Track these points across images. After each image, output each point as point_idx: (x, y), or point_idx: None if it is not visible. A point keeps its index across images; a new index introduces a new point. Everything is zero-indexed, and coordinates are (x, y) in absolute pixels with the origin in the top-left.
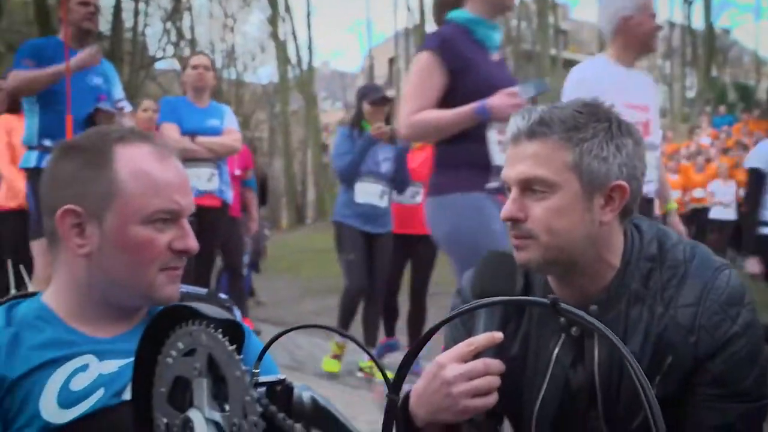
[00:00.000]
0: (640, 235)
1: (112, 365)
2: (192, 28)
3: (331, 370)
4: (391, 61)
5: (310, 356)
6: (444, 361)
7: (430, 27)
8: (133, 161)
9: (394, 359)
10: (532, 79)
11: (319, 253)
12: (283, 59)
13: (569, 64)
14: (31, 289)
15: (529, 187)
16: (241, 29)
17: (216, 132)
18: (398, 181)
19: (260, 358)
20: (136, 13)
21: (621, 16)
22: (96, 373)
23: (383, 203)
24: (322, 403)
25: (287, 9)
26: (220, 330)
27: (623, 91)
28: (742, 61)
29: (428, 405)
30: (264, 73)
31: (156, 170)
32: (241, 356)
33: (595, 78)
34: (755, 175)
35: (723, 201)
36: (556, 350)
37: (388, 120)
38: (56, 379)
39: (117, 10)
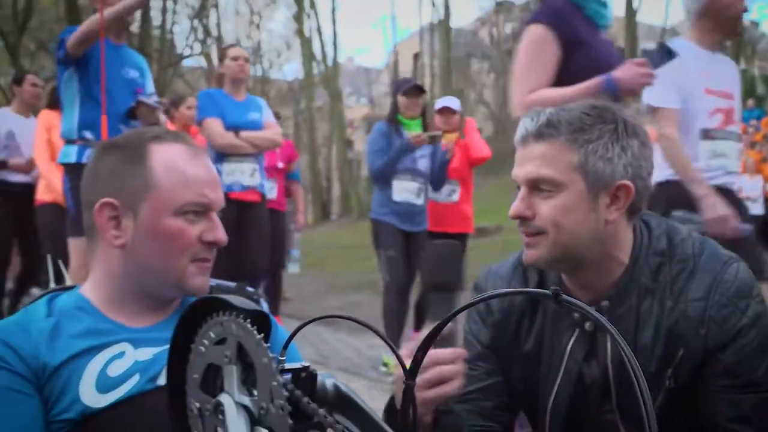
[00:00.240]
0: (649, 231)
1: (147, 353)
2: (218, 26)
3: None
4: (416, 57)
5: (334, 351)
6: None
7: (455, 22)
8: (167, 158)
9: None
10: (655, 48)
11: (344, 249)
12: (308, 56)
13: None
14: (68, 283)
15: (536, 186)
16: (267, 26)
17: (257, 126)
18: (435, 178)
19: (286, 346)
20: (164, 11)
21: None
22: (132, 360)
23: (420, 201)
24: (344, 390)
25: (312, 5)
26: (248, 320)
27: (706, 76)
28: None
29: (400, 402)
30: (289, 69)
31: (188, 166)
32: (269, 344)
33: (679, 61)
34: None
35: (750, 196)
36: (570, 345)
37: (424, 112)
38: (94, 366)
39: (145, 8)
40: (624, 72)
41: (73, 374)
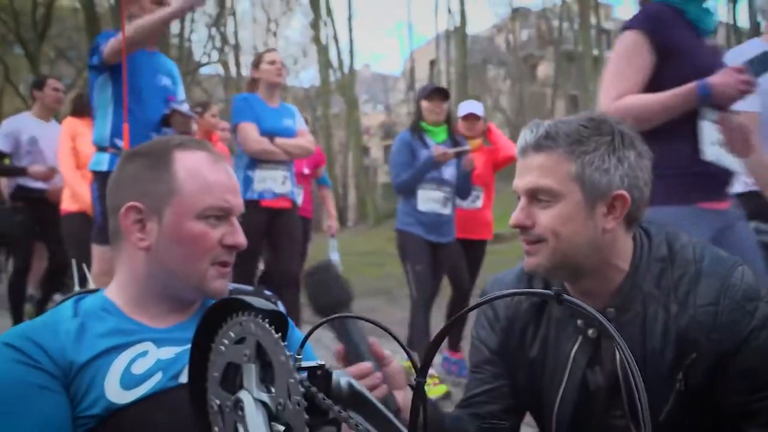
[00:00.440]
0: (649, 239)
1: (169, 352)
2: (236, 33)
3: (438, 393)
4: (432, 63)
5: None
6: None
7: (471, 29)
8: (189, 165)
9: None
10: (758, 55)
11: (360, 256)
12: (324, 63)
13: None
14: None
15: (535, 196)
16: (284, 34)
17: (290, 133)
18: (461, 187)
19: (302, 345)
20: (182, 19)
21: None
22: (155, 358)
23: (447, 210)
24: (358, 388)
25: (329, 13)
26: (267, 320)
27: None
28: None
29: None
30: (306, 76)
31: (209, 173)
32: (286, 343)
33: None
34: None
35: None
36: (573, 352)
37: (449, 118)
38: (119, 364)
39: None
40: (720, 78)
41: (98, 372)
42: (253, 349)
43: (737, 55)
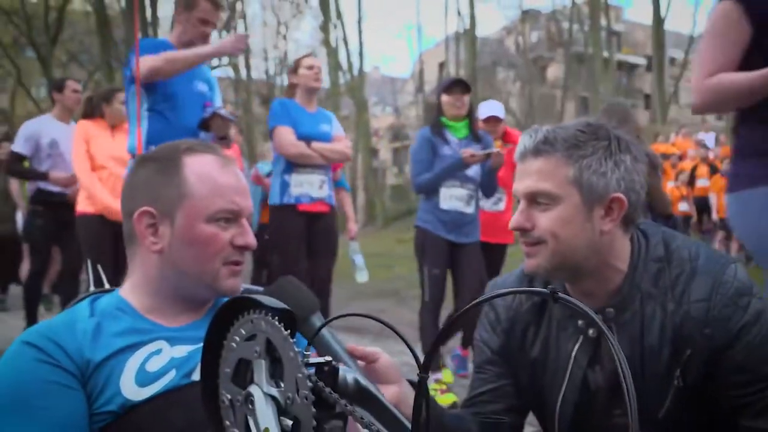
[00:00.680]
0: (647, 239)
1: (182, 350)
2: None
3: (447, 402)
4: (441, 66)
5: None
6: None
7: (480, 31)
8: (199, 168)
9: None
10: None
11: (368, 258)
12: (334, 65)
13: (622, 66)
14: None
15: (535, 199)
16: (294, 36)
17: (327, 138)
18: (486, 184)
19: (310, 342)
20: None
21: None
22: (168, 356)
23: (470, 209)
24: (364, 384)
25: (338, 15)
26: (276, 318)
27: None
28: None
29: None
30: None
31: (218, 176)
32: (295, 340)
33: None
34: None
35: None
36: (574, 352)
37: (470, 112)
38: (134, 362)
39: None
40: None
41: (114, 369)
42: (263, 345)
43: None
